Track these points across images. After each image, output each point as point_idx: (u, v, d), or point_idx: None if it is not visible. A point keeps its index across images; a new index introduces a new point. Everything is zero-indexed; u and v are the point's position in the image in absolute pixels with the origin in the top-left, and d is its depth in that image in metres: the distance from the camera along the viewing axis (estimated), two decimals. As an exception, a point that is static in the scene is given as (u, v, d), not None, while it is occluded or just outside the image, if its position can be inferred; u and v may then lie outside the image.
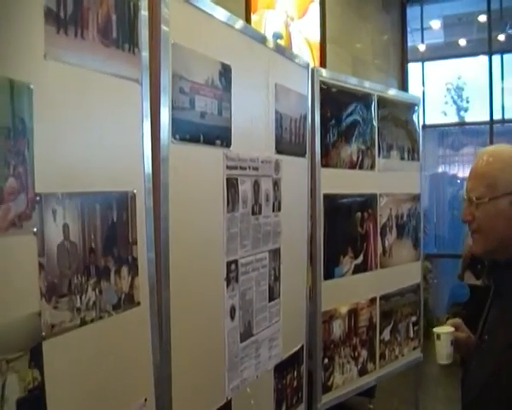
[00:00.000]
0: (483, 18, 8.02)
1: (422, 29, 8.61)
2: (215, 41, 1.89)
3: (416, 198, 3.44)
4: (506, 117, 8.10)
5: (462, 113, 10.36)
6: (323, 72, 2.77)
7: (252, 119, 2.12)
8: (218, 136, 1.88)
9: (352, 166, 2.87)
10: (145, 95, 1.53)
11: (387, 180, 3.13)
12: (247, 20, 4.51)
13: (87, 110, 1.31)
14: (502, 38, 8.40)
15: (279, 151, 2.30)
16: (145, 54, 1.53)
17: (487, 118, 8.03)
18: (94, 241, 1.32)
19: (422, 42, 8.72)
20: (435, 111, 9.82)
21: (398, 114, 3.25)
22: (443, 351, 1.83)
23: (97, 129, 1.35)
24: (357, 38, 6.46)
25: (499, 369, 1.48)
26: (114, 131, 1.42)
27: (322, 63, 5.48)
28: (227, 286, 1.95)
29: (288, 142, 2.39)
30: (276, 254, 2.30)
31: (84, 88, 1.30)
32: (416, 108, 3.46)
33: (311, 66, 2.68)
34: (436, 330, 1.85)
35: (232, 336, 2.00)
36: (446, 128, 9.65)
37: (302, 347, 2.62)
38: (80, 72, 1.28)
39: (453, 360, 1.83)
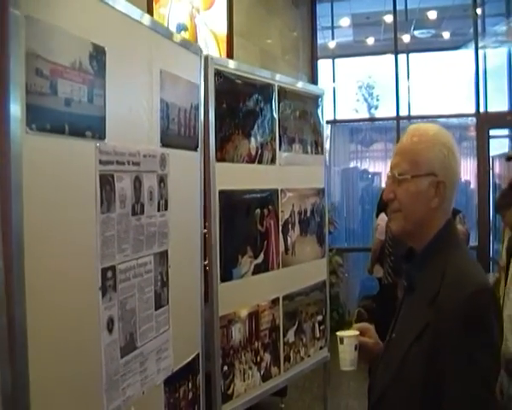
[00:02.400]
0: (389, 18, 8.17)
1: (333, 26, 8.69)
2: (85, 18, 1.65)
3: (320, 193, 3.33)
4: (412, 114, 8.32)
5: (372, 110, 10.61)
6: (218, 59, 2.59)
7: (131, 108, 1.90)
8: (89, 126, 1.65)
9: (251, 160, 2.71)
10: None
11: (289, 175, 3.00)
12: (150, 10, 4.26)
13: None
14: (407, 38, 8.62)
15: (165, 144, 2.09)
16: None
17: (402, 114, 8.20)
18: None
19: (333, 39, 8.80)
20: (347, 108, 9.99)
21: (301, 107, 3.13)
22: (346, 356, 1.71)
23: None
24: (266, 33, 6.35)
25: (405, 363, 1.43)
26: None
27: (229, 56, 5.32)
28: (103, 296, 1.72)
29: (176, 134, 2.19)
30: (162, 257, 2.09)
31: None
32: (320, 100, 3.35)
33: (205, 53, 2.49)
34: (340, 333, 1.73)
35: (110, 351, 1.77)
36: (357, 124, 9.82)
37: (198, 355, 2.43)
38: None
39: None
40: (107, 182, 1.73)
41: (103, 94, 1.72)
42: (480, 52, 8.52)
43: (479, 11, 8.20)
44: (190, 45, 2.41)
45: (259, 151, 2.76)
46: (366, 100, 10.90)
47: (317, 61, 8.12)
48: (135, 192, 1.89)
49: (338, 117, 9.03)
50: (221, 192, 2.53)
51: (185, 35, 4.76)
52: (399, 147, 1.58)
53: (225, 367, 2.63)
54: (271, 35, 6.51)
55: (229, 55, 5.35)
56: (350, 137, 9.94)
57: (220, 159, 2.53)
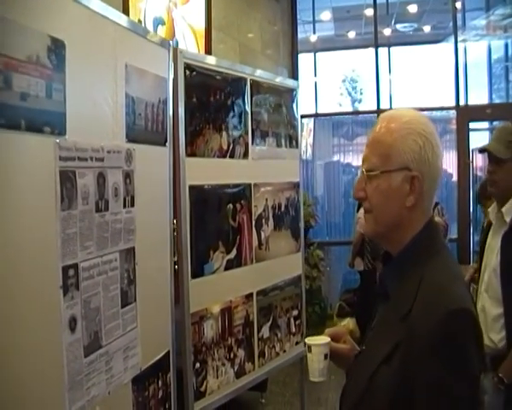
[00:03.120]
0: (370, 12, 8.17)
1: (314, 20, 8.68)
2: (42, 11, 1.61)
3: (295, 187, 3.31)
4: (394, 107, 8.34)
5: (356, 104, 10.65)
6: (188, 53, 2.56)
7: (95, 103, 1.87)
8: (48, 122, 1.61)
9: (223, 154, 2.68)
10: None
11: (263, 169, 2.97)
12: (126, 4, 4.21)
13: None
14: (388, 31, 8.64)
15: (131, 140, 2.06)
16: None
17: (383, 107, 8.22)
18: None
19: (314, 33, 8.79)
20: (332, 102, 10.01)
21: (275, 100, 3.10)
22: (314, 366, 1.56)
23: None
24: (246, 27, 6.30)
25: (373, 384, 1.30)
26: None
27: (208, 51, 5.28)
28: (64, 295, 1.69)
29: (142, 129, 2.15)
30: (129, 254, 2.05)
31: None
32: (295, 94, 3.32)
33: (174, 46, 2.46)
34: (308, 341, 1.59)
35: (73, 350, 1.74)
36: (340, 118, 9.84)
37: (168, 352, 2.40)
38: None
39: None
40: (67, 179, 1.70)
41: (63, 89, 1.68)
42: (461, 46, 8.55)
43: (458, 5, 8.22)
44: (158, 39, 2.37)
45: (231, 146, 2.73)
46: (350, 94, 10.94)
47: (297, 55, 8.08)
48: (98, 189, 1.86)
49: (322, 111, 9.03)
50: (191, 187, 2.49)
51: (162, 29, 4.72)
52: (370, 137, 1.40)
53: (198, 364, 2.60)
54: (251, 29, 6.47)
55: (208, 49, 5.30)
56: (333, 131, 9.97)
57: (190, 154, 2.50)
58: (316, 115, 8.91)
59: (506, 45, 9.31)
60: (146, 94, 2.18)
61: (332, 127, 9.91)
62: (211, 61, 2.70)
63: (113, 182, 1.94)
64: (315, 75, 8.86)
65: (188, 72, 2.50)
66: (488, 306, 2.67)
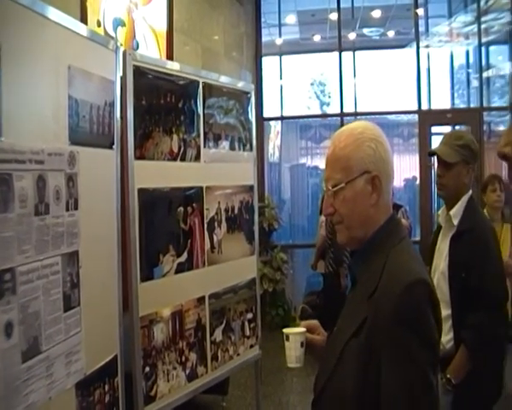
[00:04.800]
0: (335, 16, 8.24)
1: (280, 23, 8.72)
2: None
3: (249, 190, 3.31)
4: (358, 110, 8.42)
5: (324, 107, 10.72)
6: (137, 55, 2.54)
7: (35, 105, 1.84)
8: (-19, 124, 1.59)
9: (173, 157, 2.67)
10: None
11: (215, 172, 2.96)
12: (83, 4, 4.15)
13: None
14: (353, 36, 8.72)
15: (75, 142, 2.03)
16: None
17: (348, 111, 8.29)
18: None
19: (280, 36, 8.82)
20: (300, 105, 10.06)
21: (229, 103, 3.10)
22: (291, 353, 1.71)
23: None
24: (208, 30, 6.28)
25: (342, 358, 1.43)
26: None
27: (169, 54, 5.25)
28: (-1, 299, 1.67)
29: (87, 132, 2.13)
30: (72, 257, 2.03)
31: None
32: (249, 96, 3.33)
33: (122, 48, 2.44)
34: (286, 330, 1.74)
35: (10, 356, 1.71)
36: (307, 121, 9.90)
37: (116, 357, 2.38)
38: None
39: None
40: (3, 181, 1.67)
41: (-2, 90, 1.65)
42: (424, 51, 8.69)
43: (420, 11, 8.35)
44: (105, 41, 2.36)
45: (183, 148, 2.72)
46: (318, 97, 11.01)
47: (261, 58, 8.10)
48: (38, 192, 1.83)
49: (289, 113, 9.06)
50: (140, 190, 2.48)
51: (122, 31, 4.67)
52: (328, 158, 1.55)
53: (147, 368, 2.58)
54: (214, 32, 6.45)
55: (170, 52, 5.26)
56: (300, 134, 10.02)
57: (139, 157, 2.48)
58: (281, 118, 8.94)
59: (467, 52, 9.49)
60: (91, 96, 2.16)
61: (299, 130, 9.97)
62: (161, 63, 2.69)
63: (55, 185, 1.92)
64: (280, 78, 8.90)
65: (137, 74, 2.48)
66: (437, 307, 2.71)
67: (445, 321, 2.65)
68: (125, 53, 2.44)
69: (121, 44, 4.22)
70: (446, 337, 2.67)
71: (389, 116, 9.46)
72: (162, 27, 5.24)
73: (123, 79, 2.42)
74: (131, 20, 4.78)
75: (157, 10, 5.16)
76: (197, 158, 2.83)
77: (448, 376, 2.59)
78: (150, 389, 2.60)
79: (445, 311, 2.68)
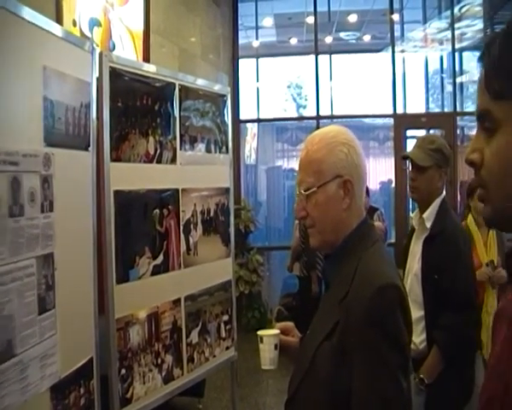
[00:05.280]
0: (311, 19, 8.29)
1: (257, 26, 8.74)
2: None
3: (225, 192, 3.32)
4: (334, 113, 8.49)
5: (301, 110, 10.78)
6: (114, 57, 2.54)
7: (8, 106, 1.83)
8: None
9: (149, 160, 2.67)
10: None
11: (191, 174, 2.97)
12: (59, 3, 4.12)
13: None
14: (330, 39, 8.79)
15: (50, 144, 2.02)
16: None
17: (324, 114, 8.34)
18: None
19: (257, 39, 8.85)
20: (277, 108, 10.11)
21: (205, 106, 3.11)
22: (265, 355, 1.73)
23: None
24: (185, 31, 6.27)
25: (315, 361, 1.44)
26: None
27: (146, 55, 5.22)
28: (-28, 302, 1.66)
29: (63, 133, 2.12)
30: (47, 259, 2.02)
31: None
32: (226, 99, 3.34)
33: (98, 49, 2.44)
34: (260, 332, 1.75)
35: (-17, 359, 1.71)
36: (284, 123, 9.95)
37: (91, 359, 2.37)
38: None
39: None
40: (-23, 183, 1.66)
41: (-29, 91, 1.64)
42: (400, 56, 8.79)
43: (395, 17, 8.45)
44: (81, 42, 2.35)
45: (159, 151, 2.72)
46: (295, 100, 11.08)
47: (238, 61, 8.11)
48: (13, 193, 1.82)
49: (266, 116, 9.09)
50: (116, 192, 2.47)
51: (98, 31, 4.63)
52: (300, 162, 1.57)
53: (123, 370, 2.57)
54: (191, 33, 6.45)
55: (146, 53, 5.24)
56: (276, 136, 10.07)
57: (115, 159, 2.48)
58: (258, 121, 8.97)
59: (441, 58, 9.63)
60: (67, 98, 2.15)
61: (275, 132, 10.01)
62: (138, 65, 2.69)
63: (30, 187, 1.91)
64: (257, 81, 8.93)
65: (114, 76, 2.47)
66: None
67: (418, 322, 2.70)
68: (101, 54, 2.43)
69: (97, 45, 4.20)
70: (419, 338, 2.71)
71: (365, 119, 9.56)
72: (139, 28, 5.20)
73: (99, 80, 2.41)
74: (108, 20, 4.74)
75: (134, 11, 5.12)
76: (173, 160, 2.84)
77: (421, 376, 2.63)
78: (126, 391, 2.59)
79: (418, 312, 2.72)
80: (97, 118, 2.39)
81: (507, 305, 1.00)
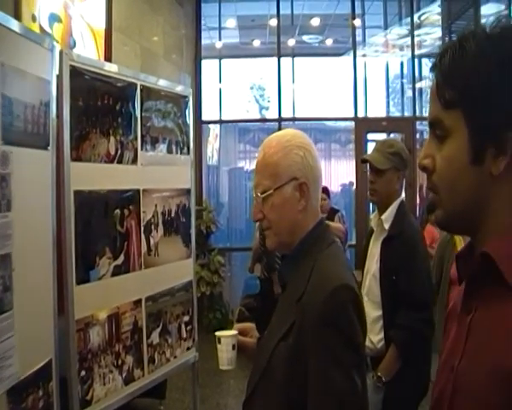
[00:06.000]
0: (274, 22, 8.33)
1: (220, 27, 8.74)
2: None
3: (186, 193, 3.32)
4: (296, 116, 8.55)
5: (264, 111, 10.82)
6: (74, 55, 2.51)
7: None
8: None
9: (110, 160, 2.65)
10: None
11: (152, 175, 2.96)
12: (18, -1, 4.03)
13: None
14: (292, 42, 8.85)
15: (8, 142, 1.99)
16: None
17: (287, 116, 8.39)
18: None
19: (220, 40, 8.85)
20: (240, 109, 10.11)
21: (166, 107, 3.10)
22: (223, 356, 1.75)
23: None
24: (148, 30, 6.23)
25: (271, 361, 1.45)
26: None
27: (108, 53, 5.16)
28: None
29: (21, 131, 2.09)
30: (5, 260, 1.98)
31: None
32: (187, 100, 3.34)
33: (58, 47, 2.41)
34: (218, 333, 1.77)
35: None
36: (246, 125, 9.97)
37: (50, 361, 2.34)
38: None
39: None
40: None
41: None
42: (361, 60, 8.91)
43: (357, 22, 8.56)
44: (40, 39, 2.32)
45: (120, 151, 2.70)
46: (257, 101, 11.11)
47: (200, 61, 8.09)
48: (-31, 192, 1.79)
49: (228, 117, 9.10)
50: (76, 192, 2.45)
51: (58, 27, 4.55)
52: (257, 165, 1.59)
53: (83, 372, 2.55)
54: (153, 33, 6.40)
55: (108, 51, 5.17)
56: (239, 137, 10.08)
57: (76, 158, 2.45)
58: (220, 122, 8.97)
59: (402, 63, 9.81)
60: (26, 95, 2.12)
61: (238, 134, 10.03)
62: (99, 65, 2.67)
63: (-14, 186, 1.88)
64: (220, 82, 8.93)
65: (74, 74, 2.45)
66: (368, 309, 2.79)
67: (376, 322, 2.76)
68: (61, 53, 2.40)
69: (57, 42, 4.13)
70: (377, 337, 2.76)
71: (327, 122, 9.66)
72: (100, 25, 5.12)
73: (59, 78, 2.38)
74: (68, 16, 4.64)
75: (95, 8, 5.03)
76: (134, 161, 2.82)
77: (379, 374, 2.68)
78: (86, 393, 2.56)
79: (376, 312, 2.78)
80: (57, 117, 2.37)
81: (457, 304, 1.05)
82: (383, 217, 2.83)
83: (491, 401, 0.86)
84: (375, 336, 2.77)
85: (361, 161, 3.08)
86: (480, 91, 0.91)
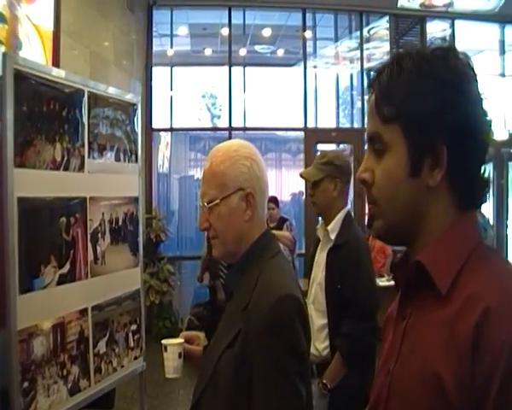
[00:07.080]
0: (226, 31, 8.38)
1: (172, 34, 8.73)
2: None
3: (134, 201, 3.29)
4: (247, 125, 8.61)
5: (215, 120, 10.83)
6: (19, 59, 2.46)
7: None
8: None
9: (56, 167, 2.60)
10: None
11: (100, 183, 2.92)
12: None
13: None
14: (244, 51, 8.91)
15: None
16: None
17: (237, 125, 8.44)
18: None
19: (171, 47, 8.82)
20: (191, 117, 10.09)
21: (115, 114, 3.07)
22: (169, 364, 1.76)
23: None
24: (98, 35, 6.15)
25: (217, 369, 1.46)
26: None
27: (56, 56, 5.06)
28: None
29: (-38, 137, 2.04)
30: None
31: None
32: (136, 108, 3.32)
33: (3, 49, 2.36)
34: (164, 342, 1.78)
35: None
36: (197, 133, 9.96)
37: (-9, 373, 2.28)
38: None
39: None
40: None
41: None
42: (312, 71, 9.05)
43: (308, 34, 8.70)
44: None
45: (66, 158, 2.66)
46: (209, 109, 11.11)
47: (151, 68, 8.05)
48: None
49: (179, 125, 9.07)
50: (20, 199, 2.39)
51: (3, 28, 4.43)
52: (204, 174, 1.61)
53: (26, 383, 2.48)
54: (103, 38, 6.33)
55: (56, 54, 5.07)
56: (190, 145, 10.05)
57: (20, 164, 2.39)
58: (171, 130, 8.93)
59: (351, 75, 10.01)
60: (-33, 99, 2.07)
61: (189, 142, 10.01)
62: (46, 70, 2.62)
63: None
64: (171, 89, 8.90)
65: (19, 78, 2.39)
66: (314, 317, 2.84)
67: (321, 330, 2.81)
68: (5, 55, 2.34)
69: (1, 43, 4.03)
70: (322, 345, 2.81)
71: (278, 132, 9.75)
72: (48, 28, 5.00)
73: (2, 82, 2.32)
74: (14, 17, 4.50)
75: (43, 10, 4.90)
76: (81, 168, 2.78)
77: (324, 381, 2.72)
78: (29, 405, 2.49)
79: (322, 320, 2.83)
80: (0, 121, 2.31)
81: (393, 311, 1.09)
82: (329, 228, 2.89)
83: (423, 404, 0.90)
84: (320, 344, 2.82)
85: (300, 176, 3.17)
86: (415, 107, 0.96)
